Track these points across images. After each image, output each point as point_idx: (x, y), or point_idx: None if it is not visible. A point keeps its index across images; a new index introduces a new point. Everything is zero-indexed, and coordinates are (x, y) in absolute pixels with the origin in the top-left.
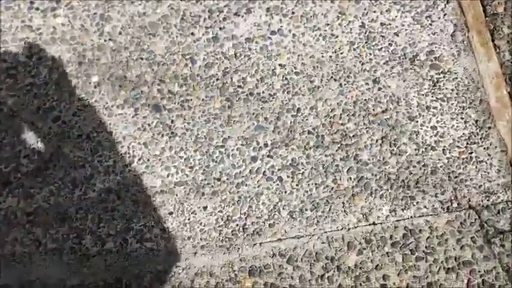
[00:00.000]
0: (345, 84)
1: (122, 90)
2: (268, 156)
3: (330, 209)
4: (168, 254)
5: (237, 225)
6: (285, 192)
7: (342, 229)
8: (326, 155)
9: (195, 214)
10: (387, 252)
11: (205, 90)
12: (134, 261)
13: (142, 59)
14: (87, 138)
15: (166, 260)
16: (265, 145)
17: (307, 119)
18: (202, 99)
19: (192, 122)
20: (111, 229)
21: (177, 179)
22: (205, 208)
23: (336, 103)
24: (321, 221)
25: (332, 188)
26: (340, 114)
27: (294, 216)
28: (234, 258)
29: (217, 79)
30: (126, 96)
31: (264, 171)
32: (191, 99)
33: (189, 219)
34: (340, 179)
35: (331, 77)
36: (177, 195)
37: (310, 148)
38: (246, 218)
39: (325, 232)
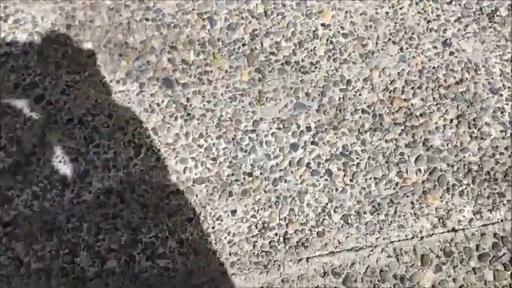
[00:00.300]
0: (407, 49)
1: (123, 60)
2: (312, 143)
3: (395, 212)
4: (187, 274)
5: (276, 234)
6: (336, 189)
7: (412, 238)
8: (387, 141)
9: (221, 221)
10: (473, 268)
11: (228, 59)
12: (144, 285)
13: (147, 20)
14: (80, 124)
15: (185, 283)
16: (308, 129)
17: (360, 94)
18: (226, 71)
19: (213, 101)
20: (113, 242)
21: (196, 174)
22: (233, 212)
23: (397, 73)
24: (385, 227)
25: (397, 184)
26: (403, 87)
27: (349, 221)
28: (274, 278)
29: (243, 44)
30: (129, 68)
31: (308, 163)
32: (211, 71)
33: (213, 227)
34: (407, 172)
35: (389, 39)
36: (197, 195)
37: (365, 132)
38: (287, 224)
39: (391, 242)
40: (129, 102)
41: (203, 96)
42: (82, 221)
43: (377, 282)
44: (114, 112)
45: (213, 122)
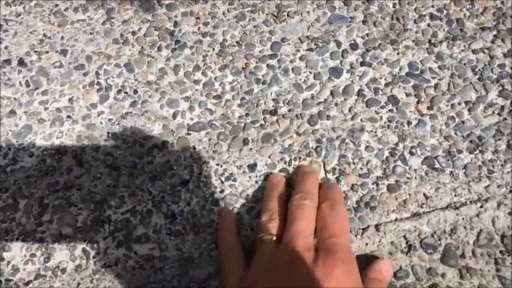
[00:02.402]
0: None
1: None
2: (362, 63)
3: (508, 146)
4: (183, 264)
5: None
6: (409, 123)
7: None
8: (475, 51)
9: (234, 180)
10: None
11: None
12: (114, 284)
13: None
14: (20, 65)
15: (181, 277)
16: (353, 46)
17: None
18: None
19: (211, 22)
20: (64, 225)
21: (192, 119)
22: (252, 167)
23: None
24: (497, 169)
25: (502, 108)
26: None
27: (436, 165)
28: None
29: None
30: None
31: (360, 90)
32: None
33: (221, 191)
34: None
35: None
36: (194, 148)
37: (439, 43)
38: (338, 178)
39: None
40: (91, 33)
41: (197, 18)
42: (18, 196)
43: (500, 256)
44: (70, 48)
45: (214, 49)
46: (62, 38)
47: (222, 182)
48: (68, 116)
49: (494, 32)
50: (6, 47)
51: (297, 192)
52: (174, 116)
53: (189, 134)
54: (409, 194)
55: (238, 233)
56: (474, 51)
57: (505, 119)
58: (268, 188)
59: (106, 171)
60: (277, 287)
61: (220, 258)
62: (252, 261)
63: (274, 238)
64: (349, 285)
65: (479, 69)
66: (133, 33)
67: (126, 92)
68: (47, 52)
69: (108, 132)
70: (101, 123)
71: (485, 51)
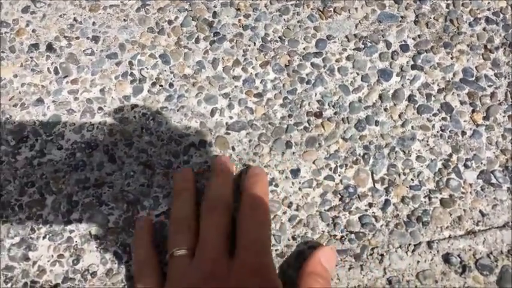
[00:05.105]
0: None
1: None
2: (413, 67)
3: None
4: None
5: (371, 205)
6: (463, 133)
7: None
8: None
9: (276, 185)
10: None
11: None
12: None
13: None
14: (49, 51)
15: None
16: (404, 47)
17: None
18: None
19: (253, 15)
20: (95, 225)
21: (231, 118)
22: (295, 172)
23: None
24: None
25: None
26: None
27: (493, 181)
28: (374, 277)
29: None
30: None
31: (411, 96)
32: None
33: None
34: None
35: None
36: (233, 148)
37: (496, 49)
38: (387, 189)
39: None
40: (124, 20)
41: (237, 9)
42: (45, 191)
43: None
44: (102, 34)
45: (255, 43)
46: (94, 23)
47: None
48: (100, 108)
49: None
50: (33, 30)
51: (205, 199)
52: (212, 113)
53: (228, 133)
54: (464, 210)
55: (153, 247)
56: None
57: None
58: (175, 189)
59: (139, 169)
60: None
61: (134, 278)
62: (165, 284)
63: (185, 252)
64: None
65: None
66: (170, 22)
67: (162, 85)
68: (77, 38)
69: (142, 127)
70: (135, 117)
71: None
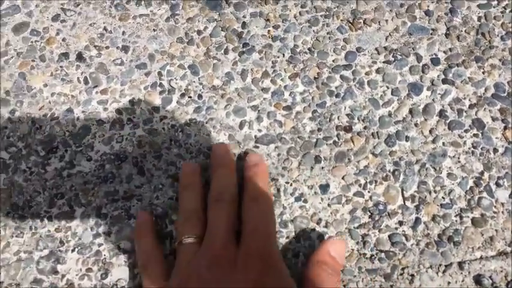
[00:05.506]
0: None
1: None
2: (444, 81)
3: None
4: None
5: (401, 223)
6: (495, 150)
7: None
8: None
9: (305, 201)
10: None
11: None
12: None
13: None
14: (79, 60)
15: None
16: (435, 61)
17: (511, 11)
18: None
19: (282, 26)
20: (123, 238)
21: (260, 131)
22: (325, 188)
23: None
24: None
25: None
26: None
27: None
28: None
29: None
30: None
31: (442, 111)
32: None
33: (291, 211)
34: None
35: None
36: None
37: None
38: (417, 207)
39: None
40: (154, 30)
41: (267, 20)
42: (74, 204)
43: None
44: (132, 44)
45: (284, 55)
46: (124, 33)
47: (291, 203)
48: (129, 119)
49: None
50: (63, 39)
51: (212, 190)
52: (241, 126)
53: (257, 146)
54: (496, 230)
55: (157, 237)
56: None
57: None
58: (181, 181)
59: (168, 182)
60: None
61: (139, 268)
62: (173, 270)
63: (194, 239)
64: (271, 284)
65: None
66: (199, 32)
67: (190, 97)
68: (107, 47)
69: (170, 139)
70: (163, 128)
71: None
